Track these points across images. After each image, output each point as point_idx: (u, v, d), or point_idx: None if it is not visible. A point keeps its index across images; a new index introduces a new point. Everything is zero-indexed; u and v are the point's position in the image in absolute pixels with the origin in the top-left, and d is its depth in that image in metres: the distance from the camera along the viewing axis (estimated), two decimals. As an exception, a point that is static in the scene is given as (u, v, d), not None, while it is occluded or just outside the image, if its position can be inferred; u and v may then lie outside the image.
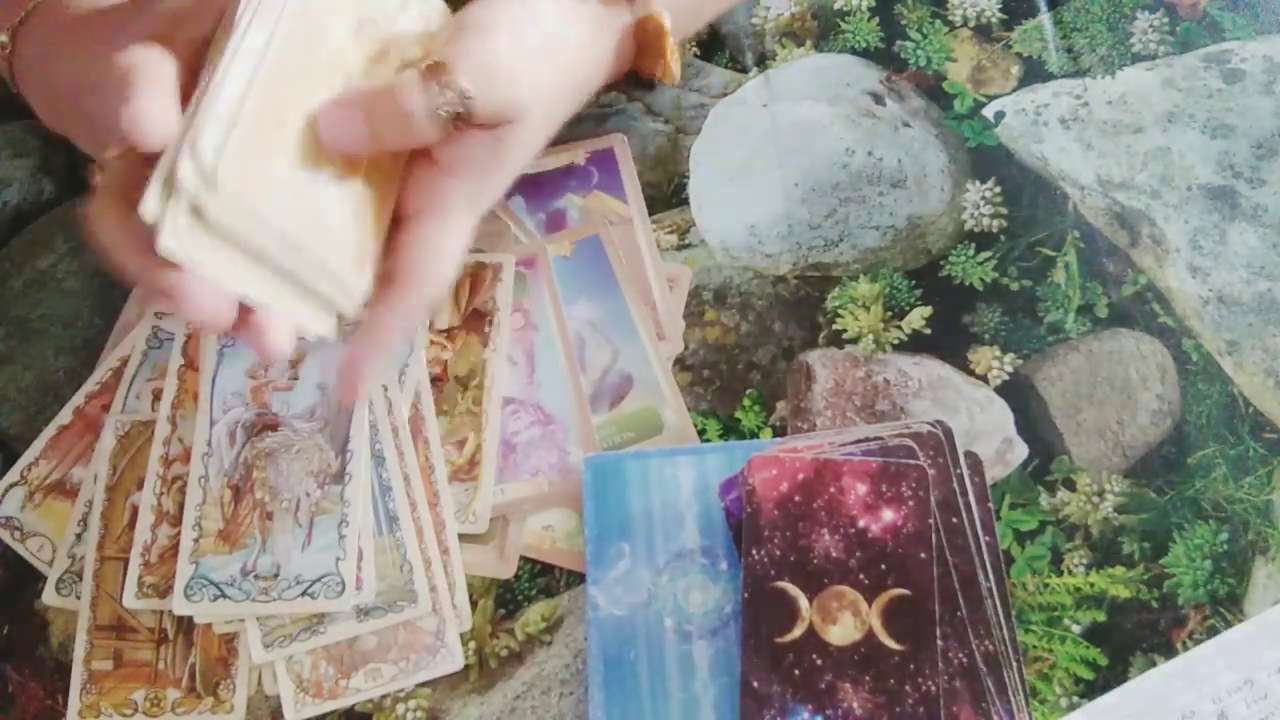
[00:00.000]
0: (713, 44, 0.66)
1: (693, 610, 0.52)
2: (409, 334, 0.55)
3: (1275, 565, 0.53)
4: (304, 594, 0.51)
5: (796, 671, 0.49)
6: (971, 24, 0.66)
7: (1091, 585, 0.53)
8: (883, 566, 0.50)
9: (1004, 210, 0.61)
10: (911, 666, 0.49)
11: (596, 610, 0.52)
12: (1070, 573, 0.53)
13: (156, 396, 0.56)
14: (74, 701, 0.52)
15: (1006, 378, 0.57)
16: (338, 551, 0.52)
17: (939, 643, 0.49)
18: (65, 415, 0.57)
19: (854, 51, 0.65)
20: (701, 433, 0.56)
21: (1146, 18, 0.65)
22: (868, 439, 0.53)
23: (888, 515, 0.51)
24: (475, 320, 0.57)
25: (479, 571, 0.54)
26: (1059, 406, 0.56)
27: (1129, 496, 0.54)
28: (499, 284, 0.58)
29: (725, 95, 0.64)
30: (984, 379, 0.57)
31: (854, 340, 0.58)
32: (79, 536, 0.54)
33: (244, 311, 0.43)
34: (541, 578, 0.54)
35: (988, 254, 0.60)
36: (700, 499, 0.53)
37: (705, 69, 0.65)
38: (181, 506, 0.53)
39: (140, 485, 0.54)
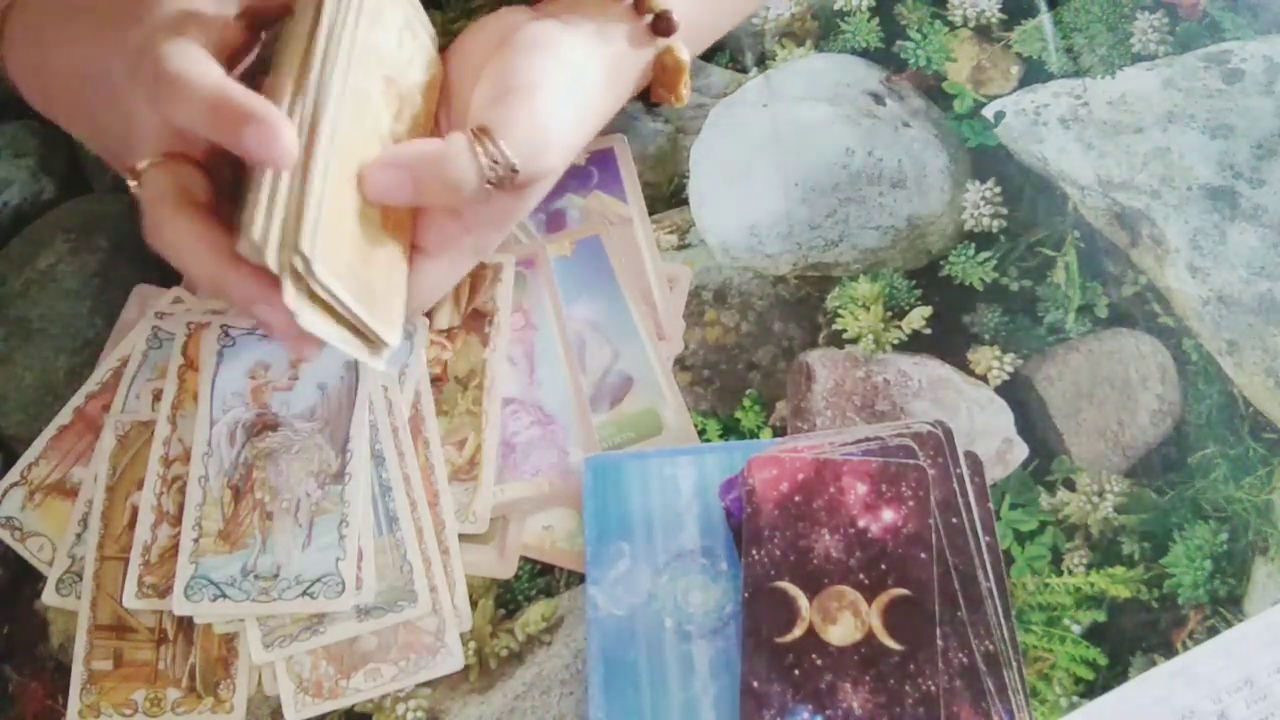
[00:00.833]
0: (713, 44, 0.66)
1: (693, 610, 0.52)
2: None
3: (1275, 565, 0.53)
4: (304, 594, 0.51)
5: (796, 671, 0.49)
6: (971, 24, 0.66)
7: (1091, 585, 0.53)
8: (883, 566, 0.50)
9: (1004, 210, 0.61)
10: (911, 666, 0.49)
11: (596, 610, 0.52)
12: (1070, 573, 0.53)
13: (156, 396, 0.56)
14: (74, 701, 0.52)
15: (1006, 378, 0.57)
16: (338, 551, 0.52)
17: (939, 643, 0.49)
18: (65, 415, 0.57)
19: (854, 51, 0.65)
20: (701, 433, 0.56)
21: (1146, 18, 0.65)
22: (868, 439, 0.53)
23: (888, 515, 0.51)
24: (475, 320, 0.57)
25: (479, 571, 0.54)
26: (1059, 406, 0.56)
27: (1129, 496, 0.54)
28: (499, 284, 0.58)
29: (725, 95, 0.64)
30: (984, 379, 0.57)
31: (854, 340, 0.58)
32: (79, 536, 0.54)
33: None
34: (541, 578, 0.54)
35: (988, 254, 0.60)
36: (700, 499, 0.54)
37: (705, 69, 0.65)
38: (181, 506, 0.53)
39: (140, 485, 0.54)
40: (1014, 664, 0.50)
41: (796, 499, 0.51)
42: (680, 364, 0.58)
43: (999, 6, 0.66)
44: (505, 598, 0.54)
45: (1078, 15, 0.65)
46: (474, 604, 0.53)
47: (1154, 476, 0.55)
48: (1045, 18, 0.66)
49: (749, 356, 0.58)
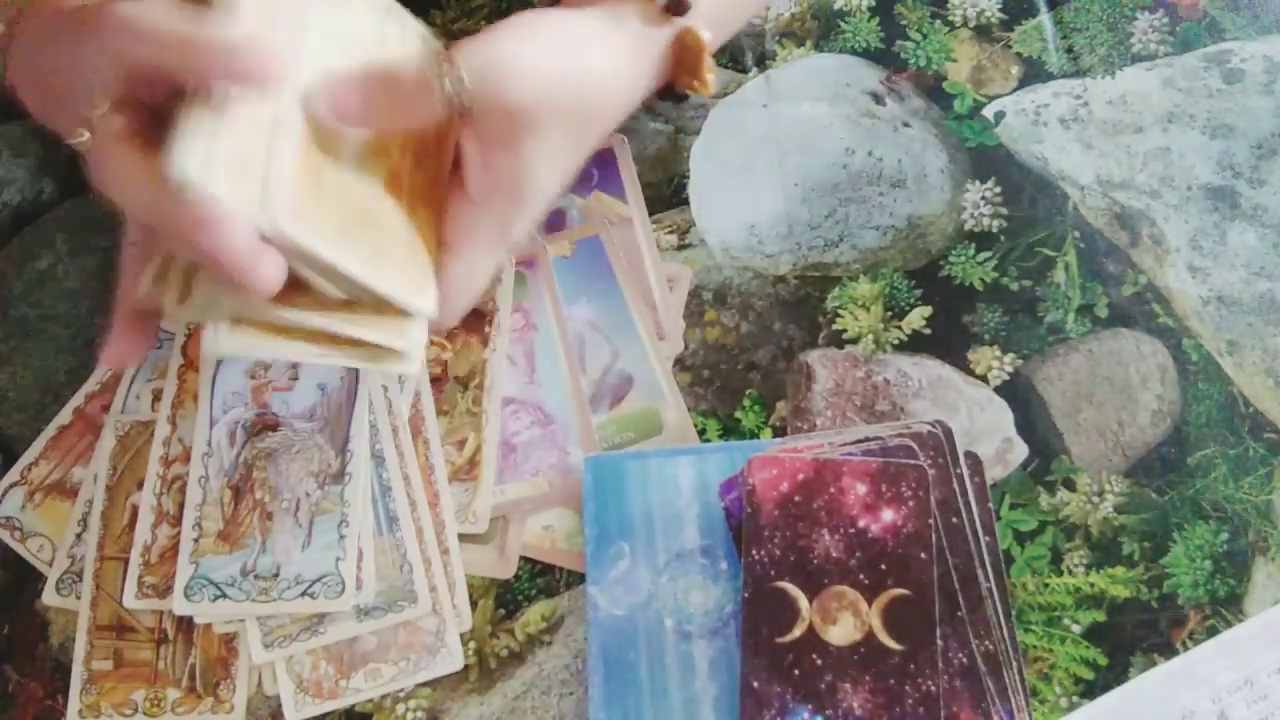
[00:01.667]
0: (713, 44, 0.66)
1: (693, 610, 0.52)
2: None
3: (1275, 565, 0.53)
4: (304, 594, 0.51)
5: (796, 671, 0.49)
6: (971, 24, 0.66)
7: (1091, 585, 0.53)
8: (883, 566, 0.50)
9: (1004, 210, 0.61)
10: (911, 666, 0.49)
11: (596, 610, 0.52)
12: (1070, 573, 0.53)
13: (156, 396, 0.56)
14: (74, 701, 0.52)
15: (1006, 378, 0.57)
16: (338, 551, 0.52)
17: (939, 643, 0.49)
18: (65, 415, 0.57)
19: (854, 52, 0.65)
20: (701, 433, 0.56)
21: (1146, 18, 0.65)
22: (868, 439, 0.53)
23: (888, 515, 0.51)
24: (475, 320, 0.57)
25: (479, 571, 0.54)
26: (1059, 406, 0.56)
27: (1129, 496, 0.54)
28: (499, 284, 0.58)
29: (725, 95, 0.64)
30: (984, 379, 0.57)
31: (854, 340, 0.58)
32: (79, 536, 0.54)
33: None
34: (541, 578, 0.54)
35: (988, 254, 0.60)
36: (700, 499, 0.54)
37: (705, 69, 0.65)
38: (181, 506, 0.53)
39: (140, 485, 0.54)
40: (1014, 664, 0.50)
41: (796, 499, 0.51)
42: (680, 364, 0.58)
43: (999, 6, 0.66)
44: (505, 598, 0.54)
45: (1078, 15, 0.65)
46: (474, 604, 0.53)
47: (1154, 476, 0.55)
48: (1045, 18, 0.66)
49: (749, 356, 0.58)
